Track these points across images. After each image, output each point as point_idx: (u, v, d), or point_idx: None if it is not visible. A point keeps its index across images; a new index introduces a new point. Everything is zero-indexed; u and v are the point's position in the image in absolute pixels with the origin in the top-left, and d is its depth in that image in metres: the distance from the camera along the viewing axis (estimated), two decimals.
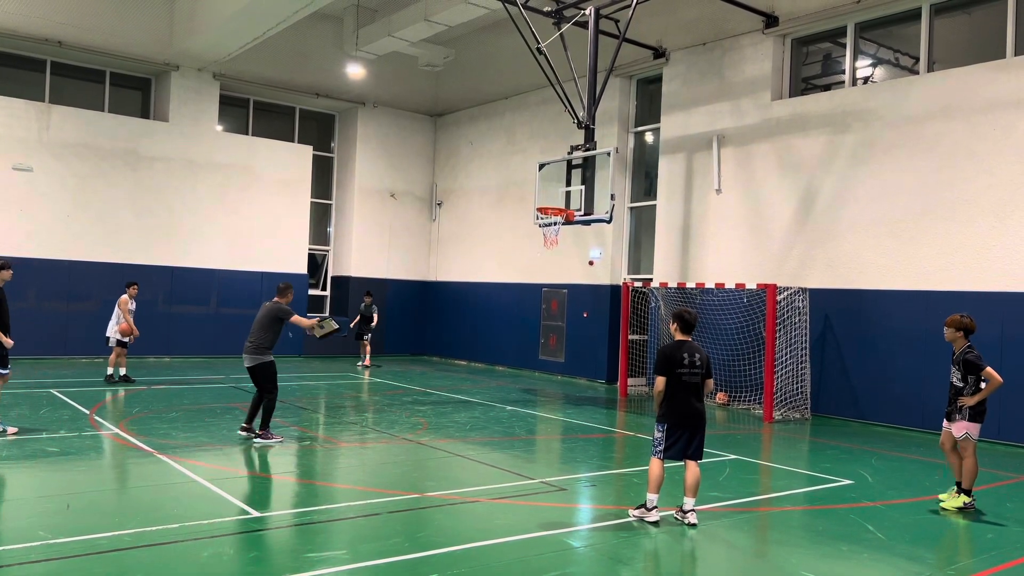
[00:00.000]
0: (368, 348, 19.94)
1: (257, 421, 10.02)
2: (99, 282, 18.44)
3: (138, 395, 13.51)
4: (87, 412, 11.42)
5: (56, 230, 18.52)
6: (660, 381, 6.95)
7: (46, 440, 9.40)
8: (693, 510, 6.93)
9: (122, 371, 14.66)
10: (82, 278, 18.69)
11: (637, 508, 7.03)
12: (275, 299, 10.16)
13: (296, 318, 10.05)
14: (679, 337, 7.13)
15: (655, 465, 6.99)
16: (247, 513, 6.76)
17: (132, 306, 14.72)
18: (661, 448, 6.99)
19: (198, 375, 16.65)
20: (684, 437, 6.99)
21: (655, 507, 6.91)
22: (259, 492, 7.70)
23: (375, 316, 19.94)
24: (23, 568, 5.30)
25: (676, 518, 6.96)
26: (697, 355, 7.03)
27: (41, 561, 5.43)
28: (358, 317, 20.02)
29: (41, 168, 18.36)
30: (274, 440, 9.81)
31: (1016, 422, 11.74)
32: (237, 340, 20.44)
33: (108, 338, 14.68)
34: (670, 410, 6.96)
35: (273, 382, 9.90)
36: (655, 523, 6.83)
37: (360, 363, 19.86)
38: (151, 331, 17.11)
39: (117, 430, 10.31)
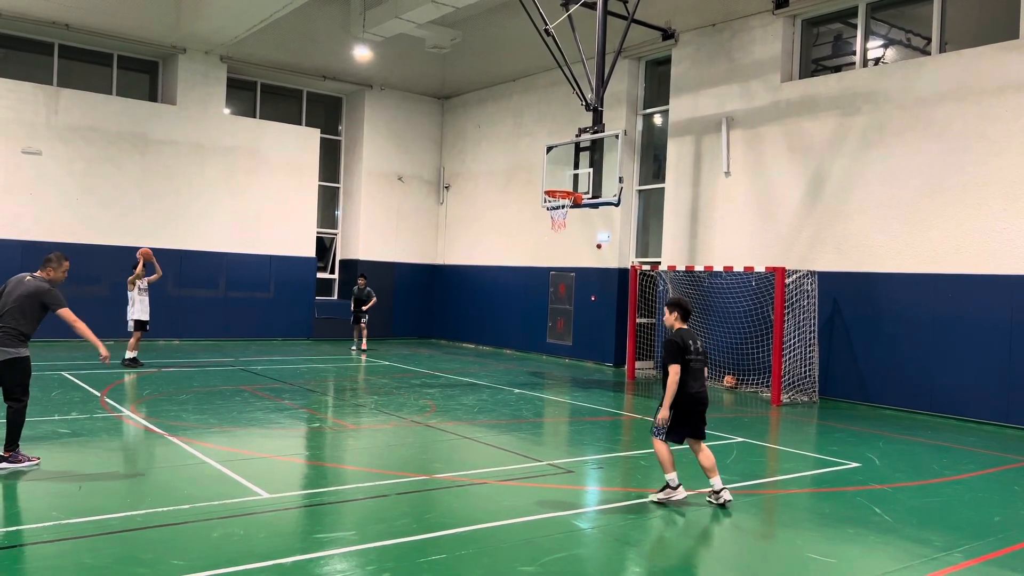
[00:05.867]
0: (365, 332, 19.65)
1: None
2: (108, 266, 18.49)
3: (148, 378, 13.59)
4: (98, 394, 11.51)
5: (64, 214, 18.58)
6: (676, 370, 6.89)
7: (58, 422, 9.49)
8: (724, 488, 7.00)
9: (132, 354, 14.74)
10: (91, 262, 18.74)
11: (661, 491, 7.00)
12: (38, 272, 7.73)
13: (68, 313, 7.60)
14: (680, 325, 7.18)
15: (661, 446, 7.00)
16: (257, 494, 6.81)
17: (144, 284, 14.85)
18: (665, 430, 7.01)
19: (207, 358, 16.74)
20: (692, 420, 7.04)
21: (679, 484, 6.95)
22: (269, 473, 7.75)
23: (373, 299, 19.67)
24: (35, 548, 5.36)
25: (710, 501, 7.00)
26: (699, 342, 7.17)
27: (53, 541, 5.49)
28: (352, 301, 19.84)
29: (49, 152, 18.39)
30: (28, 464, 7.33)
31: None
32: (246, 323, 20.80)
33: (128, 322, 14.83)
34: (682, 396, 6.97)
35: (26, 385, 7.46)
36: (682, 500, 6.88)
37: (354, 348, 19.65)
38: (161, 314, 17.18)
39: (128, 412, 10.39)
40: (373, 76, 22.73)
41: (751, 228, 15.46)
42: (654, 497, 7.01)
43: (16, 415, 7.36)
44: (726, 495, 6.96)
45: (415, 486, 7.32)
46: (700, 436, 7.10)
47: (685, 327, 7.18)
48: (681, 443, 7.12)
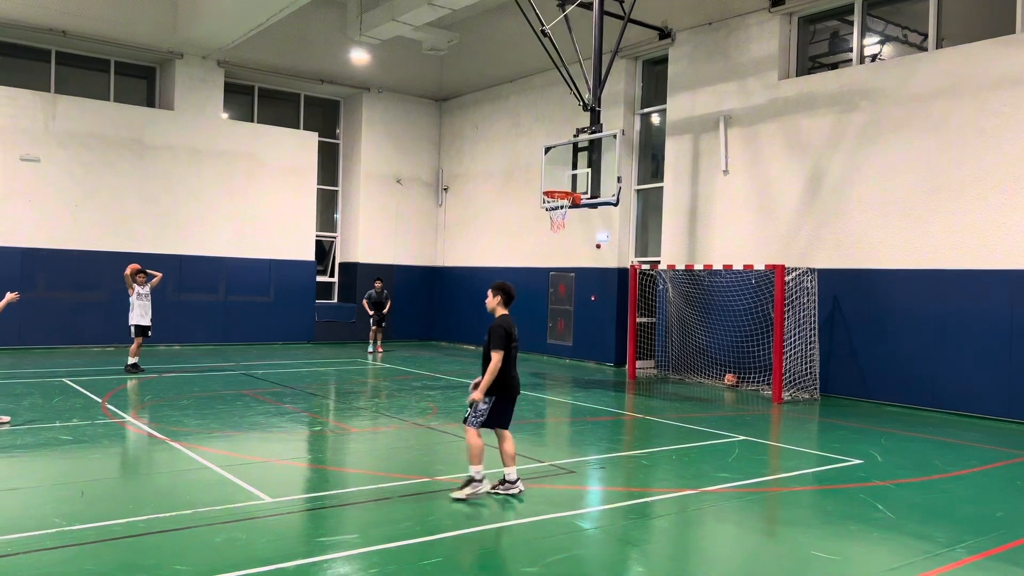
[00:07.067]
0: (380, 335, 20.20)
1: None
2: (107, 271, 18.50)
3: (149, 383, 13.59)
4: (99, 400, 11.50)
5: (64, 220, 18.58)
6: (499, 357, 6.85)
7: (59, 428, 9.48)
8: (519, 479, 7.05)
9: (133, 360, 14.72)
10: (90, 267, 18.77)
11: (466, 486, 6.91)
12: None
13: None
14: (503, 311, 7.15)
15: (476, 436, 6.94)
16: (259, 498, 6.81)
17: (144, 289, 14.85)
18: (483, 419, 6.96)
19: (208, 363, 16.74)
20: (510, 408, 7.07)
21: (484, 477, 6.94)
22: (271, 477, 7.75)
23: (389, 301, 20.28)
24: (38, 555, 5.36)
25: (499, 492, 6.95)
26: (516, 328, 7.13)
27: (56, 548, 5.48)
28: (366, 302, 20.20)
29: (48, 158, 18.40)
30: None
31: None
32: (246, 327, 20.81)
33: (130, 328, 14.86)
34: (504, 383, 6.98)
35: None
36: (491, 492, 6.92)
37: (371, 351, 19.97)
38: (161, 319, 17.16)
39: (129, 418, 10.38)
40: (370, 79, 22.74)
41: (750, 226, 15.46)
42: (459, 494, 6.86)
43: None
44: (521, 486, 6.98)
45: (417, 488, 7.32)
46: (506, 425, 7.08)
47: (507, 312, 7.14)
48: (492, 429, 7.06)
